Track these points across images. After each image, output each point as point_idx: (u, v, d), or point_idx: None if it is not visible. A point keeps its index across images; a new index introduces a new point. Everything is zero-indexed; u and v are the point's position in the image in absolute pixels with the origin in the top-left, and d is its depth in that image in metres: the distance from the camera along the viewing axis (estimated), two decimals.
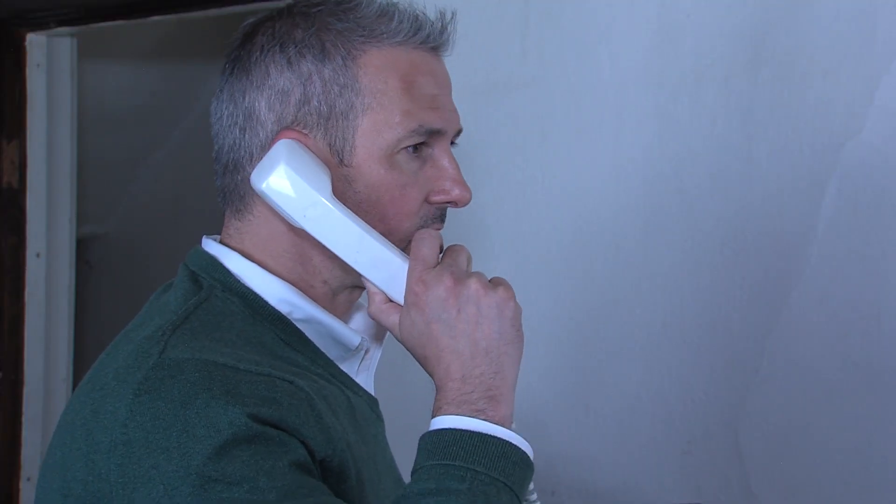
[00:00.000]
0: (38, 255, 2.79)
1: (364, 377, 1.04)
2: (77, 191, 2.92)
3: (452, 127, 0.99)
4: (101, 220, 3.63)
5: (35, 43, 2.76)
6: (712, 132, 1.63)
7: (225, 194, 1.00)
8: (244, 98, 0.97)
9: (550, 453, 1.76)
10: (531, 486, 0.93)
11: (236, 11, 2.45)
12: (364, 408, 1.02)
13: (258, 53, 0.97)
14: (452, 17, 1.00)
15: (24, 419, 2.76)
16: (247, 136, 0.97)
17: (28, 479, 2.76)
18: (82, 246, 3.34)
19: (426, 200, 0.98)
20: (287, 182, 0.92)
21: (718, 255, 1.62)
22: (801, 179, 1.56)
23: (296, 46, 0.95)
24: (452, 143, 1.01)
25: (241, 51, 0.99)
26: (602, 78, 1.72)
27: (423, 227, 0.98)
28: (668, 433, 1.67)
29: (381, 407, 1.07)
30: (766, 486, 1.59)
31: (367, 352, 1.04)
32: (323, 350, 0.99)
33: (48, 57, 2.78)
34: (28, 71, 2.75)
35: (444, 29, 0.99)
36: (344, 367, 1.01)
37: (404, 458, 1.11)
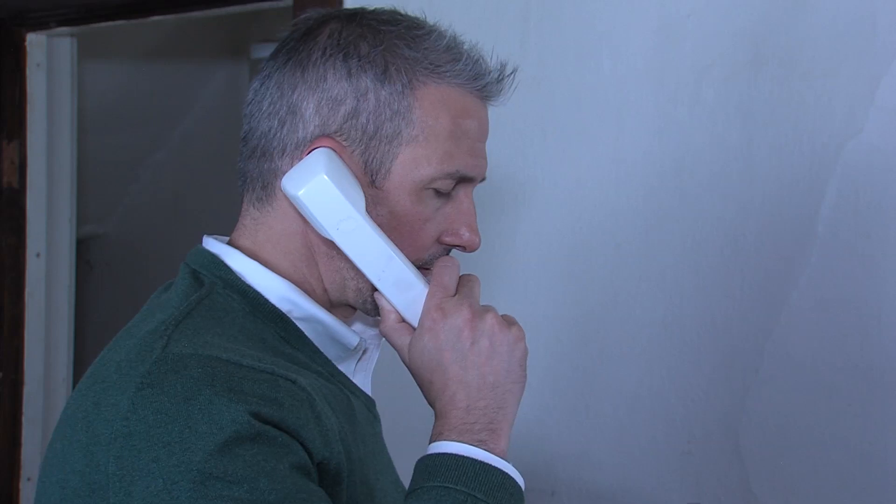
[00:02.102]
0: (38, 255, 2.79)
1: (361, 377, 1.05)
2: (77, 191, 2.92)
3: (481, 175, 1.01)
4: (101, 220, 3.63)
5: (35, 43, 2.76)
6: (712, 132, 1.63)
7: (246, 179, 1.00)
8: (293, 93, 0.97)
9: (550, 453, 1.76)
10: None
11: (236, 11, 2.46)
12: (362, 408, 1.02)
13: (319, 54, 0.97)
14: (513, 73, 1.01)
15: (24, 419, 2.76)
16: (285, 129, 0.97)
17: (28, 479, 2.76)
18: (82, 246, 3.34)
19: (437, 239, 1.00)
20: (325, 192, 0.92)
21: (718, 255, 1.62)
22: (801, 179, 1.56)
23: (359, 60, 0.96)
24: None
25: (301, 45, 0.98)
26: (602, 78, 1.72)
27: (429, 262, 1.00)
28: (668, 433, 1.67)
29: (379, 408, 1.07)
30: (766, 486, 1.59)
31: (364, 352, 1.04)
32: (321, 349, 0.99)
33: (48, 57, 2.78)
34: (28, 71, 2.75)
35: (501, 81, 1.00)
36: (341, 367, 1.01)
37: (401, 459, 1.11)
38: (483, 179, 1.02)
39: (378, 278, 0.95)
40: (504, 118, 1.81)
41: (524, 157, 1.80)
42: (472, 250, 1.01)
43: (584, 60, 1.73)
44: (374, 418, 1.06)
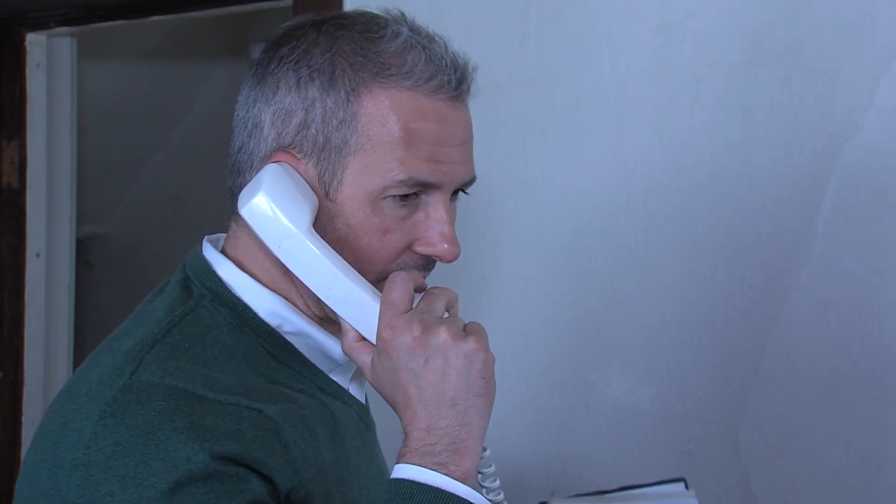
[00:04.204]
0: (38, 255, 2.79)
1: (356, 385, 1.04)
2: (77, 191, 2.92)
3: (451, 180, 0.95)
4: (101, 220, 3.63)
5: (35, 43, 2.76)
6: (712, 132, 1.63)
7: (231, 194, 0.99)
8: (254, 106, 0.95)
9: (550, 453, 1.76)
10: (492, 469, 0.93)
11: (236, 11, 2.46)
12: (352, 418, 1.01)
13: (275, 65, 0.94)
14: (474, 70, 0.96)
15: (24, 419, 2.76)
16: (251, 143, 0.95)
17: None
18: (82, 246, 3.34)
19: (411, 248, 0.95)
20: (265, 211, 0.90)
21: (718, 255, 1.62)
22: (801, 179, 1.56)
23: (308, 69, 0.93)
24: (463, 191, 0.98)
25: (266, 56, 0.96)
26: (602, 78, 1.72)
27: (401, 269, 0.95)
28: (668, 433, 1.67)
29: (375, 413, 1.07)
30: (766, 486, 1.59)
31: None
32: (313, 362, 0.98)
33: (48, 57, 2.78)
34: (28, 71, 2.75)
35: (461, 80, 0.94)
36: (335, 377, 1.01)
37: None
38: (473, 180, 0.97)
39: (326, 296, 0.92)
40: (504, 118, 1.82)
41: (524, 157, 1.79)
42: (449, 261, 0.96)
43: (584, 60, 1.73)
44: (366, 426, 1.04)
